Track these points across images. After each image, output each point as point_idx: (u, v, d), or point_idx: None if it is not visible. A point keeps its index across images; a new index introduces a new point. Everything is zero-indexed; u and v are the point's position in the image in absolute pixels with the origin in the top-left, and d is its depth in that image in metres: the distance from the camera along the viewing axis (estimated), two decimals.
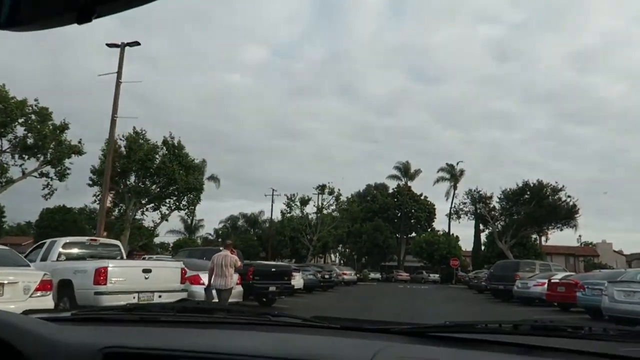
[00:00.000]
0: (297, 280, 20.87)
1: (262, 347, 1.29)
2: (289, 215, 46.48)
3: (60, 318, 1.65)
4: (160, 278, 9.72)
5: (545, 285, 18.00)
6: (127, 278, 9.20)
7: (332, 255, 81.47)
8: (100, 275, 8.68)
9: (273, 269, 15.12)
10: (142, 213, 48.50)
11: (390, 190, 65.85)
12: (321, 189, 45.50)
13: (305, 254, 46.14)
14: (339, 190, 45.80)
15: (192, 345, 1.29)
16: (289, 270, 16.00)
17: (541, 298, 18.15)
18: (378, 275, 52.63)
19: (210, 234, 77.98)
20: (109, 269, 8.87)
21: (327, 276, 27.12)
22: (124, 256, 11.23)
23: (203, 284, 11.72)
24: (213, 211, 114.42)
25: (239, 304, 8.95)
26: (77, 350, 1.30)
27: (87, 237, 10.87)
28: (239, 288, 12.69)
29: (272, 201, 49.54)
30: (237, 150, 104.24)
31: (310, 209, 46.69)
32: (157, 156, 34.88)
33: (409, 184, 63.74)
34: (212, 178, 61.61)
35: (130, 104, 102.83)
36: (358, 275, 41.27)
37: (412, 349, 1.26)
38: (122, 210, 39.38)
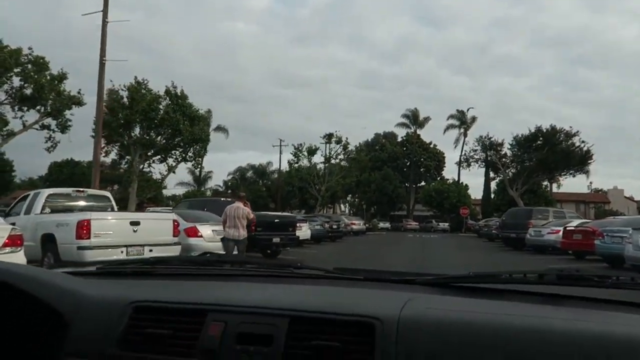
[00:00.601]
0: (304, 231, 20.29)
1: (288, 299, 1.30)
2: (296, 165, 44.92)
3: (85, 272, 1.67)
4: (150, 231, 9.03)
5: (560, 233, 17.35)
6: (114, 231, 8.49)
7: (342, 206, 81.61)
8: (83, 229, 7.97)
9: (276, 220, 14.40)
10: (149, 165, 48.19)
11: (399, 139, 65.04)
12: (328, 137, 44.26)
13: (313, 204, 45.57)
14: (347, 139, 44.50)
15: (219, 299, 1.30)
16: (293, 221, 15.37)
17: (555, 246, 17.54)
18: (387, 225, 52.47)
19: (219, 186, 78.06)
20: (92, 221, 8.14)
21: (335, 226, 26.58)
22: (115, 208, 10.49)
23: (200, 236, 11.12)
24: (223, 163, 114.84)
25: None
26: (107, 305, 1.32)
27: (73, 188, 10.08)
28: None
29: (280, 152, 48.82)
30: (243, 100, 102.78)
31: (318, 158, 45.97)
32: (160, 107, 34.26)
33: (418, 132, 62.79)
34: (220, 129, 60.85)
35: (134, 55, 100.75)
36: (367, 225, 40.89)
37: (439, 300, 1.26)
38: (128, 163, 38.89)
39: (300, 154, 43.55)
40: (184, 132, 34.98)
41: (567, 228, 17.08)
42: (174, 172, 44.45)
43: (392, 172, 56.96)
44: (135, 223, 8.93)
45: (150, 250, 8.81)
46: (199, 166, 41.01)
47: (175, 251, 9.32)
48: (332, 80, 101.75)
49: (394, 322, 1.13)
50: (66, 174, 52.66)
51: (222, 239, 10.06)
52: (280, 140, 49.16)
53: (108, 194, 10.62)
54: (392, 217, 59.75)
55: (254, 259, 1.84)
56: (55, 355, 1.28)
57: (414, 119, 61.24)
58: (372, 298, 1.29)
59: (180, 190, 61.32)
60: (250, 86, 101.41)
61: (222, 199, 16.01)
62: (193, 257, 2.14)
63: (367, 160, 62.20)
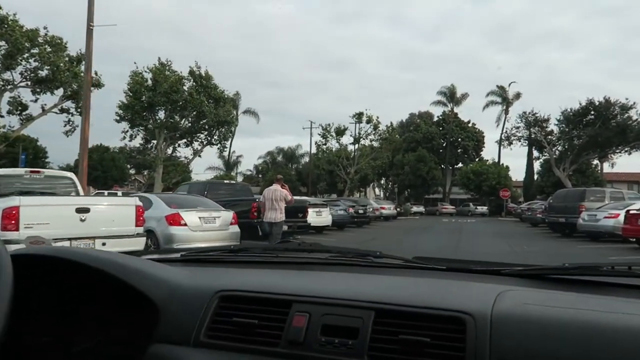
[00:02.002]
0: (325, 217, 19.17)
1: (373, 290, 1.29)
2: (324, 147, 43.21)
3: (170, 259, 1.73)
4: (102, 220, 7.19)
5: (620, 218, 14.97)
6: (53, 221, 6.68)
7: (376, 189, 79.79)
8: (8, 218, 6.14)
9: None
10: (174, 149, 47.53)
11: (435, 119, 63.19)
12: (358, 117, 42.20)
13: (342, 188, 43.84)
14: (377, 118, 42.26)
15: (302, 288, 1.32)
16: (302, 205, 14.01)
17: (614, 233, 15.19)
18: (421, 209, 51.17)
19: (250, 170, 77.60)
20: (21, 209, 6.31)
21: (361, 211, 24.95)
22: (80, 192, 8.70)
23: (184, 224, 9.42)
24: (255, 148, 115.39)
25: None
26: (196, 293, 1.34)
27: (27, 169, 8.40)
28: (235, 230, 10.36)
29: (311, 134, 47.02)
30: (278, 84, 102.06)
31: (348, 140, 44.80)
32: (184, 88, 33.59)
33: (455, 110, 60.61)
34: (249, 112, 60.35)
35: (167, 40, 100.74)
36: (399, 209, 39.31)
37: (535, 293, 1.21)
38: (153, 147, 38.35)
39: (328, 135, 42.18)
40: (208, 114, 34.48)
41: (631, 211, 14.36)
42: (199, 155, 44.08)
43: (427, 153, 55.34)
44: (83, 210, 7.12)
45: (103, 244, 7.01)
46: (225, 149, 39.80)
47: (138, 244, 7.46)
48: (370, 62, 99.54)
49: (487, 318, 1.09)
50: (95, 159, 52.31)
51: (260, 222, 10.23)
52: (311, 122, 47.47)
53: (71, 175, 8.88)
54: (427, 200, 58.64)
55: (333, 247, 1.76)
56: (145, 341, 1.31)
57: (451, 96, 59.14)
58: (460, 290, 1.27)
59: (209, 175, 61.36)
60: (286, 69, 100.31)
61: (225, 182, 14.36)
62: (274, 244, 2.11)
63: (401, 141, 60.12)
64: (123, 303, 1.43)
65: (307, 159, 56.34)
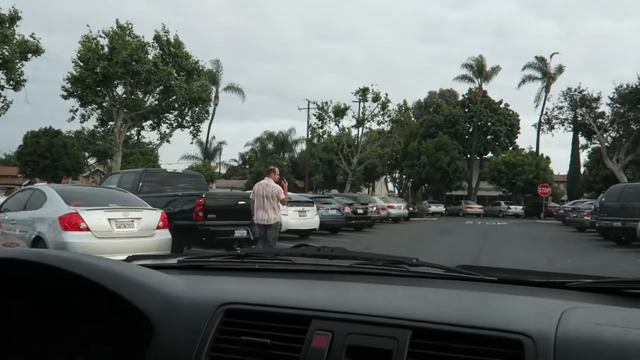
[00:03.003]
0: (310, 219, 18.60)
1: (408, 305, 1.31)
2: (320, 130, 42.57)
3: (166, 265, 1.81)
4: None
5: None
6: None
7: (389, 185, 78.79)
8: None
9: (240, 202, 11.66)
10: (138, 133, 46.48)
11: (460, 98, 63.06)
12: (362, 93, 41.31)
13: (342, 181, 42.82)
14: (387, 95, 41.35)
15: (323, 302, 1.34)
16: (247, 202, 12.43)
17: None
18: (441, 209, 50.79)
19: (235, 160, 76.67)
20: None
21: (360, 210, 24.09)
22: None
23: (86, 229, 8.12)
24: (247, 133, 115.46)
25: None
26: (196, 306, 1.37)
27: None
28: (164, 237, 9.30)
29: (308, 116, 45.44)
30: (275, 58, 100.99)
31: (350, 122, 43.43)
32: (148, 57, 33.00)
33: (484, 87, 60.17)
34: (232, 89, 59.48)
35: (154, 9, 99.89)
36: (412, 208, 38.13)
37: (611, 312, 1.22)
38: (110, 130, 37.83)
39: (325, 116, 41.26)
40: (177, 90, 33.84)
41: None
42: (168, 141, 43.70)
43: (449, 139, 54.43)
44: None
45: None
46: (199, 133, 38.65)
47: None
48: (384, 32, 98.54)
49: (550, 340, 1.10)
50: (44, 145, 51.17)
51: (251, 224, 10.37)
52: (309, 102, 45.85)
53: None
54: (449, 198, 58.63)
55: (359, 253, 1.83)
56: None
57: (479, 69, 57.92)
58: (516, 307, 1.28)
59: (184, 165, 60.61)
60: (284, 41, 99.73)
61: (170, 171, 13.93)
62: (288, 249, 1.98)
63: (417, 124, 58.82)
64: (110, 317, 1.46)
65: (303, 146, 55.89)
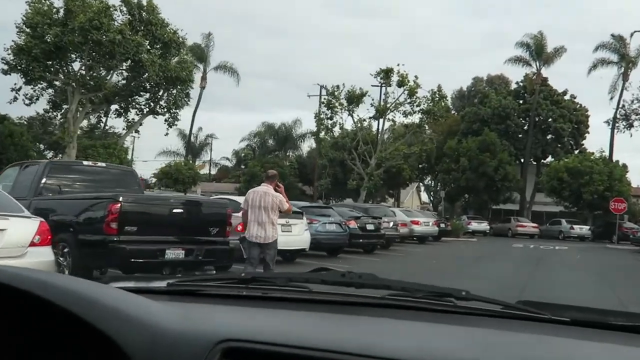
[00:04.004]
0: (298, 236, 18.12)
1: (457, 349, 1.35)
2: (329, 122, 41.87)
3: (153, 289, 1.86)
4: None
5: None
6: None
7: (423, 194, 77.77)
8: None
9: (177, 210, 11.00)
10: (99, 119, 46.11)
11: (513, 87, 63.64)
12: (384, 76, 40.61)
13: (353, 186, 42.12)
14: (416, 78, 40.31)
15: (348, 342, 1.36)
16: (221, 210, 12.45)
17: None
18: (484, 226, 50.20)
19: (226, 158, 76.21)
20: None
21: (370, 226, 23.25)
22: None
23: None
24: (248, 126, 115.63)
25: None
26: (186, 342, 1.38)
27: None
28: (42, 258, 8.14)
29: (320, 105, 44.36)
30: (283, 34, 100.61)
31: (367, 112, 42.86)
32: (113, 23, 32.86)
33: (544, 73, 59.86)
34: (224, 68, 59.48)
35: None
36: (444, 225, 37.18)
37: None
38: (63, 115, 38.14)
39: (337, 103, 40.54)
40: (149, 66, 33.55)
41: None
42: (136, 131, 42.84)
43: (497, 137, 54.02)
44: None
45: None
46: (176, 122, 38.25)
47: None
48: (420, 4, 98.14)
49: None
50: None
51: (241, 240, 10.59)
52: (320, 87, 44.60)
53: None
54: (495, 213, 58.76)
55: (393, 282, 1.92)
56: None
57: (537, 50, 57.48)
58: (595, 357, 1.33)
59: (160, 163, 63.23)
60: (295, 13, 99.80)
61: (87, 163, 13.33)
62: (305, 274, 2.03)
63: (457, 118, 58.13)
64: (81, 352, 1.47)
65: (313, 143, 55.79)
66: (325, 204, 36.65)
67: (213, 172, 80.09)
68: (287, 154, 64.07)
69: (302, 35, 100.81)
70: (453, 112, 64.68)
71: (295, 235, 17.76)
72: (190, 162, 59.94)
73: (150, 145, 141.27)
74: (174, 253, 10.69)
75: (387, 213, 28.42)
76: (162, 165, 55.01)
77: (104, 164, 13.85)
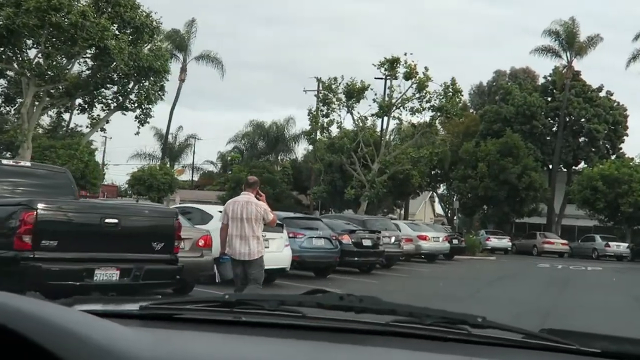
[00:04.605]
0: (276, 251, 17.73)
1: None
2: (325, 120, 41.92)
3: (123, 313, 1.90)
4: None
5: None
6: None
7: (437, 206, 77.35)
8: None
9: (108, 220, 10.48)
10: (60, 115, 46.21)
11: (540, 81, 63.95)
12: (389, 66, 40.43)
13: (350, 196, 41.85)
14: (426, 70, 40.26)
15: None
16: (167, 221, 11.97)
17: None
18: (505, 243, 50.18)
19: (211, 162, 75.95)
20: None
21: (367, 242, 22.94)
22: None
23: None
24: (237, 127, 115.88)
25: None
26: None
27: None
28: None
29: (318, 100, 44.08)
30: (280, 20, 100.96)
31: (366, 108, 43.36)
32: (75, 3, 33.02)
33: (575, 66, 60.02)
34: (206, 58, 60.63)
35: None
36: (457, 240, 36.85)
37: None
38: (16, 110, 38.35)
39: (334, 98, 40.51)
40: (117, 54, 33.62)
41: None
42: (102, 129, 42.94)
43: (521, 139, 54.15)
44: None
45: None
46: (148, 119, 38.62)
47: None
48: None
49: None
50: None
51: (218, 260, 10.84)
52: (318, 79, 44.40)
53: None
54: (519, 227, 59.25)
55: (399, 305, 1.94)
56: None
57: (568, 39, 57.58)
58: None
59: (133, 167, 60.06)
60: None
61: (2, 162, 12.88)
62: (298, 296, 2.10)
63: (476, 118, 58.18)
64: None
65: (307, 145, 55.94)
66: (322, 215, 36.23)
67: (195, 178, 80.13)
68: (279, 157, 64.37)
69: (302, 21, 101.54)
70: (471, 110, 64.67)
71: (274, 251, 17.26)
72: (168, 165, 59.70)
73: (128, 148, 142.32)
74: (106, 274, 10.19)
75: (389, 226, 28.03)
76: (133, 170, 55.29)
77: (28, 163, 13.72)
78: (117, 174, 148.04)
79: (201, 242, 13.57)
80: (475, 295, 19.56)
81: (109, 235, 10.41)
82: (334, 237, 21.12)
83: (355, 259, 22.57)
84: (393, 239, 26.50)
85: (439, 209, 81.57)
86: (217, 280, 10.92)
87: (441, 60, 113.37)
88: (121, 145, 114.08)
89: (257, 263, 10.44)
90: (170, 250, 11.48)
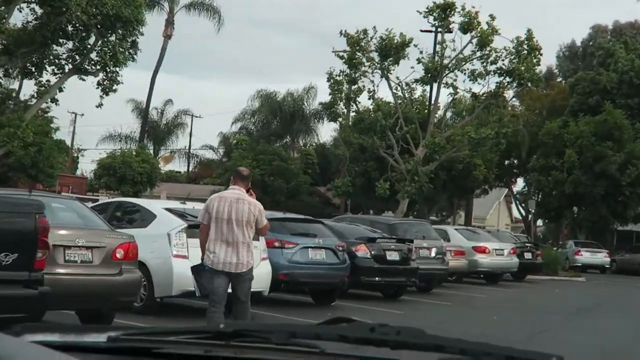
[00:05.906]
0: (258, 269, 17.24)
1: None
2: (353, 87, 41.41)
3: (86, 346, 2.01)
4: None
5: None
6: None
7: (516, 208, 76.69)
8: None
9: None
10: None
11: None
12: (440, 14, 39.91)
13: (383, 193, 40.89)
14: (492, 20, 39.50)
15: None
16: (24, 220, 11.42)
17: None
18: (601, 258, 50.49)
19: (210, 147, 75.75)
20: None
21: (392, 256, 22.58)
22: None
23: None
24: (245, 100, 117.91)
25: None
26: None
27: None
28: None
29: (343, 61, 44.12)
30: None
31: (406, 72, 42.34)
32: None
33: None
34: (199, 6, 61.20)
35: None
36: (532, 255, 36.06)
37: None
38: None
39: (363, 57, 40.06)
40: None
41: None
42: (53, 100, 43.62)
43: (624, 118, 54.14)
44: None
45: None
46: (114, 87, 39.01)
47: None
48: None
49: None
50: None
51: (195, 271, 11.40)
52: (343, 34, 44.12)
53: None
54: (622, 237, 61.16)
55: (444, 339, 1.98)
56: None
57: None
58: None
59: (99, 151, 62.34)
60: None
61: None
62: (315, 326, 2.17)
63: (564, 87, 60.76)
64: None
65: (335, 125, 54.88)
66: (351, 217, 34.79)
67: (191, 167, 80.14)
68: (298, 140, 63.74)
69: None
70: (559, 79, 63.93)
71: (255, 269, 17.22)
72: (150, 150, 59.35)
73: (108, 128, 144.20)
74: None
75: (429, 234, 27.05)
76: (101, 156, 55.13)
77: None
78: (87, 162, 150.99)
79: (119, 254, 12.74)
80: (536, 338, 18.06)
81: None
82: (340, 248, 20.47)
83: (376, 279, 22.11)
84: (434, 252, 26.20)
85: (517, 212, 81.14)
86: (197, 295, 11.64)
87: (516, 8, 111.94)
88: (100, 124, 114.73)
89: (246, 276, 10.88)
90: (28, 265, 10.80)
